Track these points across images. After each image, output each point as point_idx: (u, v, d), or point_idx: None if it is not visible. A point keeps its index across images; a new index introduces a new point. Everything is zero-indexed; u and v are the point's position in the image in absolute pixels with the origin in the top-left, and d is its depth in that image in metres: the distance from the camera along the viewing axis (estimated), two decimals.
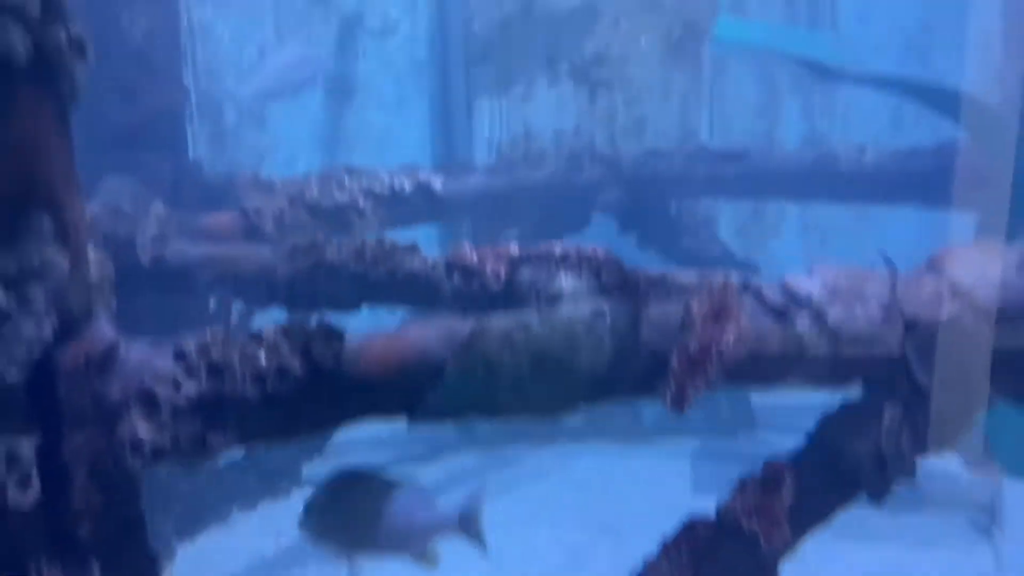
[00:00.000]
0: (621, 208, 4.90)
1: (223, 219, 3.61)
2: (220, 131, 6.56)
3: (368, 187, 4.03)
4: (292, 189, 3.79)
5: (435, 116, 6.65)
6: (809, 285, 2.23)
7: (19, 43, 1.48)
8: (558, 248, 2.48)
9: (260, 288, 2.85)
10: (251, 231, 3.58)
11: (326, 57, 6.14)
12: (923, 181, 4.19)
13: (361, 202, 3.97)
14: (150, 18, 4.41)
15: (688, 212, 5.28)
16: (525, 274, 2.46)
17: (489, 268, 2.49)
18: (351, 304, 2.77)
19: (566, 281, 2.33)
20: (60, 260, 1.63)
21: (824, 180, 4.53)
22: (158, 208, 3.36)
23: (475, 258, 2.54)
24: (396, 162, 6.80)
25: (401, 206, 4.14)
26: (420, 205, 4.19)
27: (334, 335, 1.99)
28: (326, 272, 2.77)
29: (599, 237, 5.08)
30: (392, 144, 6.88)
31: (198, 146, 5.95)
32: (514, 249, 2.55)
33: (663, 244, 5.13)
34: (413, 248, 2.73)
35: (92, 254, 1.83)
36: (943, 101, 4.06)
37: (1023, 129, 3.19)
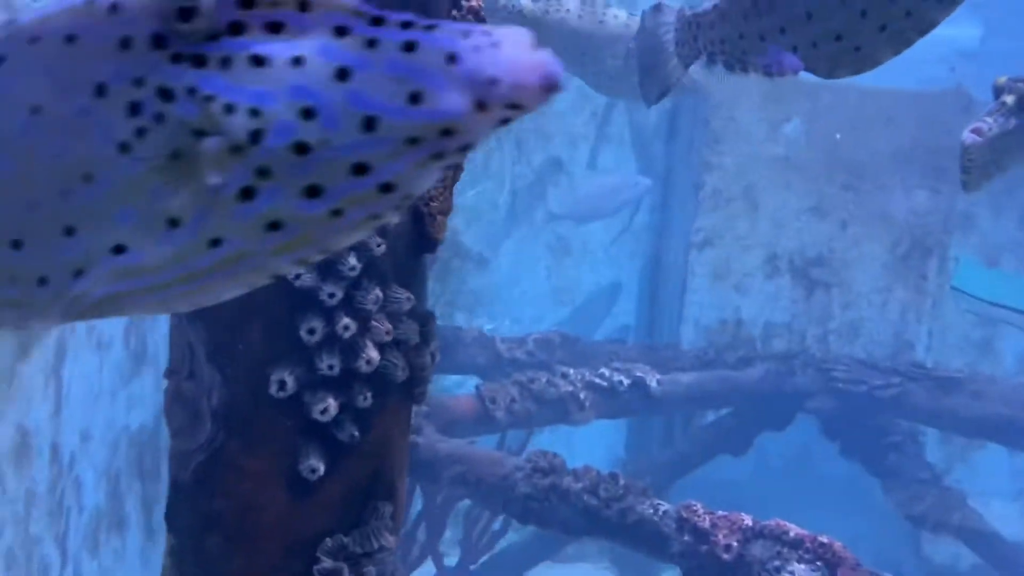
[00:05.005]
0: (828, 416, 4.94)
1: (462, 401, 3.95)
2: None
3: (590, 380, 4.28)
4: (521, 378, 4.10)
5: (644, 280, 6.89)
6: None
7: (400, 369, 1.81)
8: (792, 530, 2.59)
9: (497, 496, 3.11)
10: (485, 416, 3.89)
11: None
12: None
13: (582, 395, 4.22)
14: None
15: (895, 426, 5.21)
16: (756, 551, 2.59)
17: (721, 536, 2.64)
18: (579, 532, 2.98)
19: (799, 572, 2.43)
20: (392, 544, 1.92)
21: None
22: None
23: (707, 522, 2.70)
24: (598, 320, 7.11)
25: (617, 400, 4.36)
26: (634, 401, 4.40)
27: None
28: (560, 496, 3.00)
29: (800, 433, 5.11)
30: (597, 298, 7.16)
31: None
32: (747, 520, 2.68)
33: (867, 456, 5.09)
34: (645, 491, 2.91)
35: None
36: None
37: None
